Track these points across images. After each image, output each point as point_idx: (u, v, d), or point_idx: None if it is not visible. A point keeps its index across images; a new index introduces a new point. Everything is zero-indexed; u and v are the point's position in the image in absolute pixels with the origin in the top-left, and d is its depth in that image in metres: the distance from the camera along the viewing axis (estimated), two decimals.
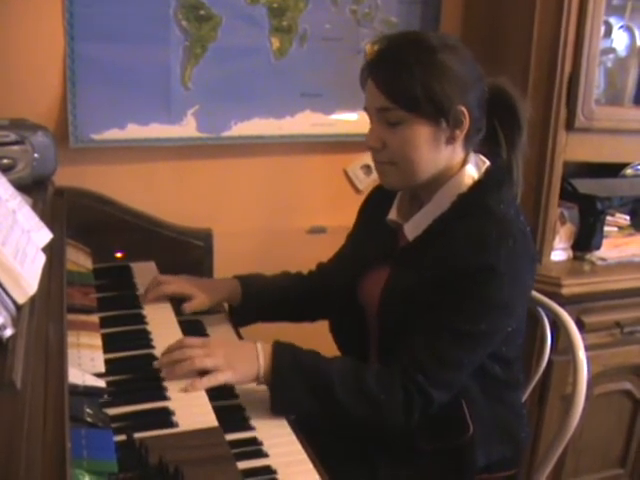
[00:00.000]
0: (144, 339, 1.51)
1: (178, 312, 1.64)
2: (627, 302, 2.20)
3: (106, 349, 1.42)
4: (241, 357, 1.35)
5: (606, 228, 2.32)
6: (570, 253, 2.28)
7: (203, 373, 1.32)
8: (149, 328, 1.56)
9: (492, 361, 1.44)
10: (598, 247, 2.29)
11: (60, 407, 0.91)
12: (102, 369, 1.33)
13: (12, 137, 1.64)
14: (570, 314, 1.65)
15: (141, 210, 2.02)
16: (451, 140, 1.39)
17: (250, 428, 1.27)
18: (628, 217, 2.47)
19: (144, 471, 1.06)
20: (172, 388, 1.30)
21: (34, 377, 0.88)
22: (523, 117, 1.44)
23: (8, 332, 0.88)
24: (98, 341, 1.44)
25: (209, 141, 2.16)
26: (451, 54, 1.36)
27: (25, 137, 1.65)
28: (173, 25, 2.04)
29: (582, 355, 1.56)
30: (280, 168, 2.30)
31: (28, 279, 1.00)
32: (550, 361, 1.89)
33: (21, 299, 0.97)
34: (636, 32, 2.31)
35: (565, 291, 2.06)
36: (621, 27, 2.30)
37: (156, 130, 2.09)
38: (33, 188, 1.62)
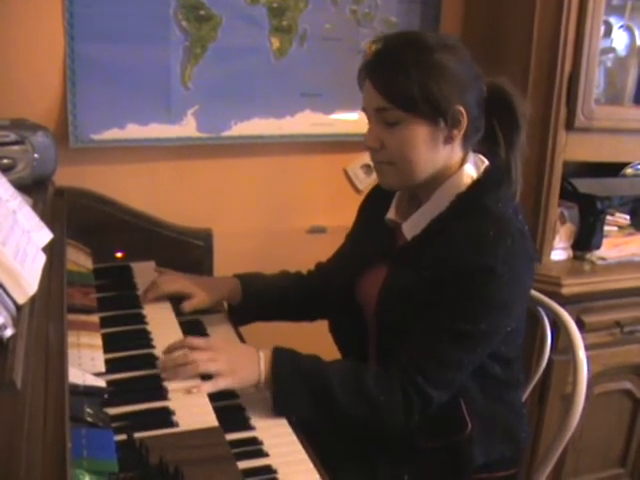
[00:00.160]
0: (144, 339, 1.51)
1: (178, 312, 1.65)
2: (627, 302, 2.20)
3: (106, 349, 1.42)
4: (243, 362, 1.35)
5: (606, 228, 2.32)
6: (570, 253, 2.28)
7: (205, 375, 1.33)
8: (149, 328, 1.56)
9: (492, 361, 1.44)
10: (598, 247, 2.29)
11: (60, 407, 0.91)
12: (102, 369, 1.34)
13: (12, 137, 1.64)
14: (570, 314, 1.65)
15: (141, 210, 2.02)
16: (449, 140, 1.39)
17: (250, 428, 1.27)
18: (628, 217, 2.47)
19: (144, 471, 1.06)
20: (172, 388, 1.31)
21: (34, 377, 0.88)
22: (522, 116, 1.44)
23: (8, 332, 0.88)
24: (98, 341, 1.44)
25: (209, 141, 2.16)
26: (449, 54, 1.36)
27: (25, 137, 1.65)
28: (173, 25, 2.04)
29: (582, 355, 1.56)
30: (280, 168, 2.30)
31: (28, 279, 1.00)
32: (550, 361, 1.89)
33: (21, 299, 0.97)
34: (636, 32, 2.31)
35: (565, 291, 2.06)
36: (621, 27, 2.30)
37: (156, 130, 2.09)
38: (33, 188, 1.62)
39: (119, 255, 1.96)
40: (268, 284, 1.73)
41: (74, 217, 1.76)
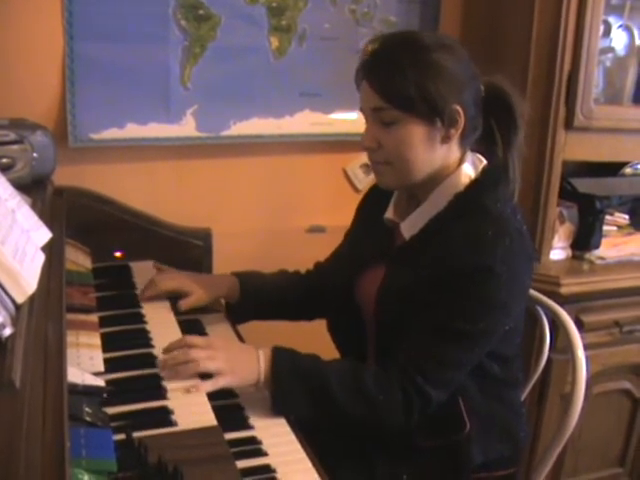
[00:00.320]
0: (143, 338, 1.51)
1: (177, 311, 1.65)
2: (626, 301, 2.20)
3: (105, 348, 1.42)
4: (243, 361, 1.35)
5: (605, 227, 2.32)
6: (569, 252, 2.28)
7: (204, 374, 1.33)
8: (148, 327, 1.56)
9: (490, 360, 1.45)
10: (597, 246, 2.29)
11: (59, 406, 0.91)
12: (101, 368, 1.34)
13: (11, 136, 1.64)
14: (569, 313, 1.65)
15: (140, 209, 2.02)
16: (446, 139, 1.39)
17: (249, 427, 1.27)
18: (627, 216, 2.47)
19: (143, 470, 1.06)
20: (171, 387, 1.31)
21: (33, 376, 0.88)
22: (519, 115, 1.44)
23: (7, 331, 0.88)
24: (97, 340, 1.44)
25: (208, 140, 2.16)
26: (445, 53, 1.36)
27: (24, 136, 1.65)
28: (172, 25, 2.04)
29: (581, 354, 1.56)
30: (279, 167, 2.31)
31: (27, 278, 1.00)
32: (549, 360, 1.89)
33: (20, 298, 0.97)
34: (635, 31, 2.31)
35: (564, 290, 2.06)
36: (620, 26, 2.30)
37: (155, 129, 2.09)
38: (32, 187, 1.62)
39: (118, 254, 1.96)
40: (266, 283, 1.74)
41: (73, 216, 1.76)
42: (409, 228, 1.46)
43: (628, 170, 2.45)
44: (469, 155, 1.45)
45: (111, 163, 2.09)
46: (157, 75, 2.06)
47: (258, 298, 1.71)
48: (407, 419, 1.36)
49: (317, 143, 2.31)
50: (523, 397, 1.70)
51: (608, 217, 2.37)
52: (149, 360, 1.41)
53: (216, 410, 1.26)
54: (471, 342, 1.36)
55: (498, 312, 1.36)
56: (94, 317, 1.55)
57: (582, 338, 1.58)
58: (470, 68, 1.40)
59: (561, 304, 1.70)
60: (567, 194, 2.26)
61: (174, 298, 1.67)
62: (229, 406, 1.33)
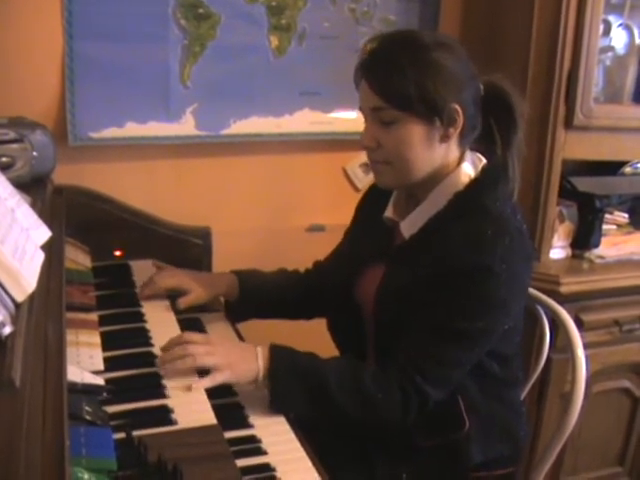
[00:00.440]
0: (143, 337, 1.51)
1: (177, 310, 1.65)
2: (626, 300, 2.20)
3: (105, 347, 1.42)
4: (241, 358, 1.35)
5: (605, 226, 2.32)
6: (569, 251, 2.28)
7: (202, 371, 1.33)
8: (148, 326, 1.56)
9: (490, 359, 1.45)
10: (597, 245, 2.29)
11: (59, 405, 0.91)
12: (101, 367, 1.34)
13: (11, 135, 1.64)
14: (569, 312, 1.65)
15: (140, 208, 2.02)
16: (445, 138, 1.39)
17: (249, 426, 1.28)
18: (627, 215, 2.47)
19: (143, 469, 1.06)
20: (171, 386, 1.31)
21: (33, 375, 0.88)
22: (519, 114, 1.43)
23: (7, 330, 0.88)
24: (97, 339, 1.44)
25: (208, 139, 2.16)
26: (444, 53, 1.36)
27: (24, 135, 1.65)
28: (172, 24, 2.04)
29: (581, 353, 1.56)
30: (279, 166, 2.30)
31: (27, 277, 1.00)
32: (549, 359, 1.90)
33: (20, 297, 0.97)
34: (635, 30, 2.31)
35: (564, 289, 2.06)
36: (620, 25, 2.29)
37: (155, 128, 2.09)
38: (32, 186, 1.62)
39: (118, 253, 1.96)
40: (266, 281, 1.74)
41: (73, 215, 1.76)
42: (408, 227, 1.46)
43: (628, 169, 2.45)
44: (468, 154, 1.45)
45: (111, 162, 2.09)
46: (157, 74, 2.06)
47: (257, 297, 1.71)
48: (405, 418, 1.36)
49: (317, 142, 2.31)
50: (523, 396, 1.70)
51: (608, 216, 2.37)
52: (149, 359, 1.41)
53: (216, 409, 1.26)
54: (470, 341, 1.36)
55: (497, 311, 1.36)
56: (94, 316, 1.55)
57: (582, 337, 1.59)
58: (469, 67, 1.40)
59: (561, 303, 1.70)
60: (567, 193, 2.26)
61: (173, 297, 1.67)
62: (229, 405, 1.33)
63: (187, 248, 2.03)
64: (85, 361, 1.34)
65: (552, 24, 2.02)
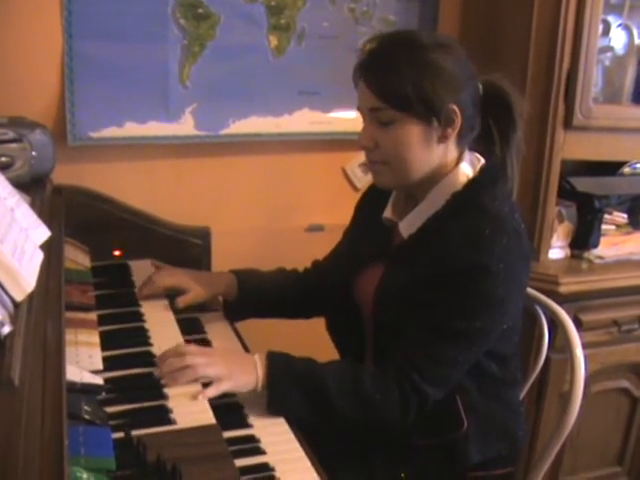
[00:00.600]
0: (142, 336, 1.52)
1: (176, 310, 1.65)
2: (625, 300, 2.20)
3: (104, 346, 1.42)
4: (240, 368, 1.35)
5: (604, 226, 2.32)
6: (568, 251, 2.28)
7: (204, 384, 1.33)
8: (147, 326, 1.57)
9: (488, 358, 1.45)
10: (596, 245, 2.29)
11: (58, 404, 0.91)
12: (100, 366, 1.34)
13: (10, 135, 1.64)
14: (568, 312, 1.65)
15: (139, 208, 2.02)
16: (443, 139, 1.39)
17: (248, 426, 1.28)
18: (626, 215, 2.47)
19: (142, 468, 1.06)
20: (174, 393, 1.30)
21: (32, 374, 0.88)
22: (517, 114, 1.43)
23: (6, 329, 0.89)
24: (96, 339, 1.44)
25: (207, 139, 2.16)
26: (443, 53, 1.36)
27: (23, 135, 1.65)
28: (171, 23, 2.04)
29: (579, 353, 1.56)
30: (278, 166, 2.31)
31: (26, 277, 1.00)
32: (548, 359, 1.89)
33: (19, 297, 0.97)
34: (634, 31, 2.31)
35: (563, 289, 2.06)
36: (619, 25, 2.30)
37: (154, 128, 2.09)
38: (31, 186, 1.62)
39: (117, 253, 1.96)
40: (264, 281, 1.74)
41: (72, 215, 1.76)
42: (407, 227, 1.46)
43: (627, 169, 2.45)
44: (467, 154, 1.45)
45: (110, 162, 2.10)
46: (156, 74, 2.06)
47: (256, 296, 1.71)
48: (404, 417, 1.36)
49: (316, 142, 2.31)
50: (522, 396, 1.70)
51: (607, 216, 2.37)
52: (148, 358, 1.42)
53: (215, 408, 1.26)
54: (468, 341, 1.36)
55: (495, 311, 1.37)
56: (93, 315, 1.55)
57: (581, 337, 1.58)
58: (468, 68, 1.40)
59: (560, 303, 1.70)
60: (566, 193, 2.26)
61: (172, 296, 1.67)
62: (228, 404, 1.33)
63: (186, 248, 2.03)
64: (84, 360, 1.34)
65: (551, 24, 2.02)
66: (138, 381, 1.34)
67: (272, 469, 1.16)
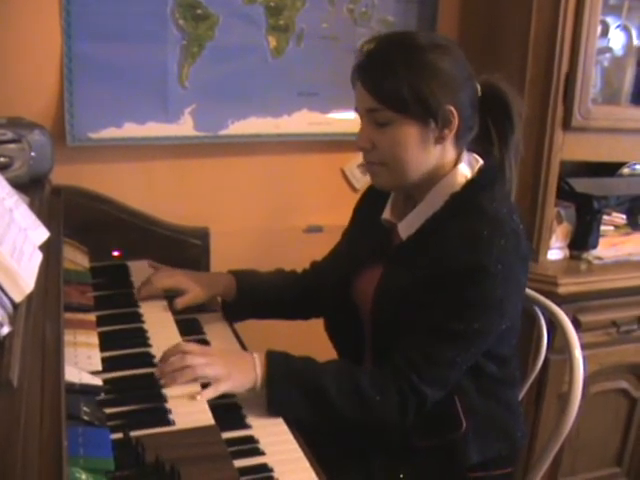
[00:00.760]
0: (141, 337, 1.52)
1: (174, 310, 1.65)
2: (623, 301, 2.20)
3: (103, 347, 1.42)
4: (239, 368, 1.35)
5: (603, 227, 2.32)
6: (567, 252, 2.28)
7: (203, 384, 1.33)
8: (146, 326, 1.57)
9: (487, 359, 1.45)
10: (595, 246, 2.29)
11: (57, 405, 0.91)
12: (99, 367, 1.34)
13: (9, 135, 1.64)
14: (566, 313, 1.65)
15: (138, 209, 2.02)
16: (440, 140, 1.39)
17: (246, 426, 1.27)
18: (625, 216, 2.47)
19: (141, 469, 1.06)
20: (173, 394, 1.30)
21: (31, 375, 0.88)
22: (516, 114, 1.43)
23: (5, 330, 0.89)
24: (95, 339, 1.44)
25: (206, 140, 2.16)
26: (441, 54, 1.36)
27: (22, 135, 1.65)
28: (170, 24, 2.04)
29: (578, 354, 1.56)
30: (277, 167, 2.31)
31: (25, 277, 1.00)
32: (546, 360, 1.89)
33: (18, 297, 0.97)
34: (633, 32, 2.31)
35: (561, 290, 2.06)
36: (618, 26, 2.30)
37: (153, 129, 2.09)
38: (30, 186, 1.62)
39: (116, 254, 1.96)
40: (263, 281, 1.74)
41: (71, 216, 1.76)
42: (406, 228, 1.46)
43: (626, 170, 2.46)
44: (465, 155, 1.45)
45: (109, 162, 2.09)
46: (155, 74, 2.06)
47: (254, 297, 1.71)
48: (403, 418, 1.36)
49: (315, 143, 2.31)
50: (520, 397, 1.70)
51: (606, 217, 2.37)
52: (147, 359, 1.42)
53: (213, 409, 1.26)
54: (466, 342, 1.36)
55: (493, 312, 1.36)
56: (92, 316, 1.55)
57: (579, 338, 1.59)
58: (466, 69, 1.40)
59: (558, 304, 1.70)
60: (565, 194, 2.26)
61: (171, 297, 1.67)
62: (226, 405, 1.33)
63: (185, 248, 2.03)
64: (83, 361, 1.34)
65: (550, 25, 2.02)
66: (137, 382, 1.34)
67: (271, 470, 1.16)
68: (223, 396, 1.34)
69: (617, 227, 2.44)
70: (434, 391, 1.37)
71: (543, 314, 1.72)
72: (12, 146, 1.64)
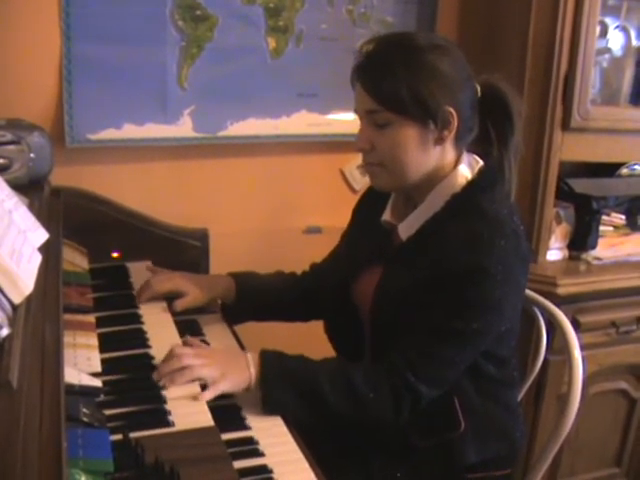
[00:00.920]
0: (140, 339, 1.51)
1: (174, 312, 1.65)
2: (623, 301, 2.20)
3: (102, 349, 1.42)
4: (234, 367, 1.35)
5: (602, 228, 2.32)
6: (566, 253, 2.28)
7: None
8: (145, 328, 1.56)
9: (486, 360, 1.45)
10: (594, 247, 2.29)
11: (56, 407, 0.91)
12: (98, 369, 1.34)
13: (8, 137, 1.64)
14: (566, 313, 1.65)
15: (137, 210, 2.02)
16: (440, 141, 1.39)
17: (246, 427, 1.27)
18: (624, 217, 2.47)
19: (140, 470, 1.06)
20: (172, 396, 1.30)
21: (30, 377, 0.88)
22: (515, 115, 1.43)
23: (4, 332, 0.89)
24: (94, 341, 1.44)
25: (205, 141, 2.16)
26: (440, 55, 1.36)
27: (21, 137, 1.65)
28: (169, 25, 2.04)
29: (577, 354, 1.56)
30: (276, 168, 2.31)
31: (24, 279, 1.00)
32: (546, 360, 1.89)
33: (17, 299, 0.97)
34: (632, 32, 2.31)
35: (561, 290, 2.06)
36: (617, 27, 2.30)
37: (152, 130, 2.09)
38: (29, 188, 1.62)
39: (115, 255, 1.96)
40: (263, 283, 1.74)
41: (70, 217, 1.76)
42: (406, 230, 1.46)
43: (625, 171, 2.46)
44: (465, 156, 1.45)
45: (108, 163, 2.09)
46: (154, 75, 2.06)
47: (254, 299, 1.71)
48: (397, 416, 1.36)
49: (314, 144, 2.31)
50: (520, 397, 1.70)
51: (605, 217, 2.37)
52: (146, 361, 1.42)
53: (213, 410, 1.26)
54: (464, 342, 1.36)
55: (493, 313, 1.36)
56: (91, 317, 1.55)
57: (579, 338, 1.59)
58: (465, 69, 1.40)
59: (558, 304, 1.70)
60: (564, 194, 2.27)
61: (171, 298, 1.67)
62: (226, 406, 1.33)
63: (185, 250, 2.03)
64: (82, 363, 1.34)
65: (549, 26, 2.02)
66: (136, 383, 1.33)
67: (270, 471, 1.16)
68: (222, 397, 1.34)
69: (616, 227, 2.44)
70: (430, 390, 1.37)
71: (542, 315, 1.72)
72: (11, 148, 1.64)
